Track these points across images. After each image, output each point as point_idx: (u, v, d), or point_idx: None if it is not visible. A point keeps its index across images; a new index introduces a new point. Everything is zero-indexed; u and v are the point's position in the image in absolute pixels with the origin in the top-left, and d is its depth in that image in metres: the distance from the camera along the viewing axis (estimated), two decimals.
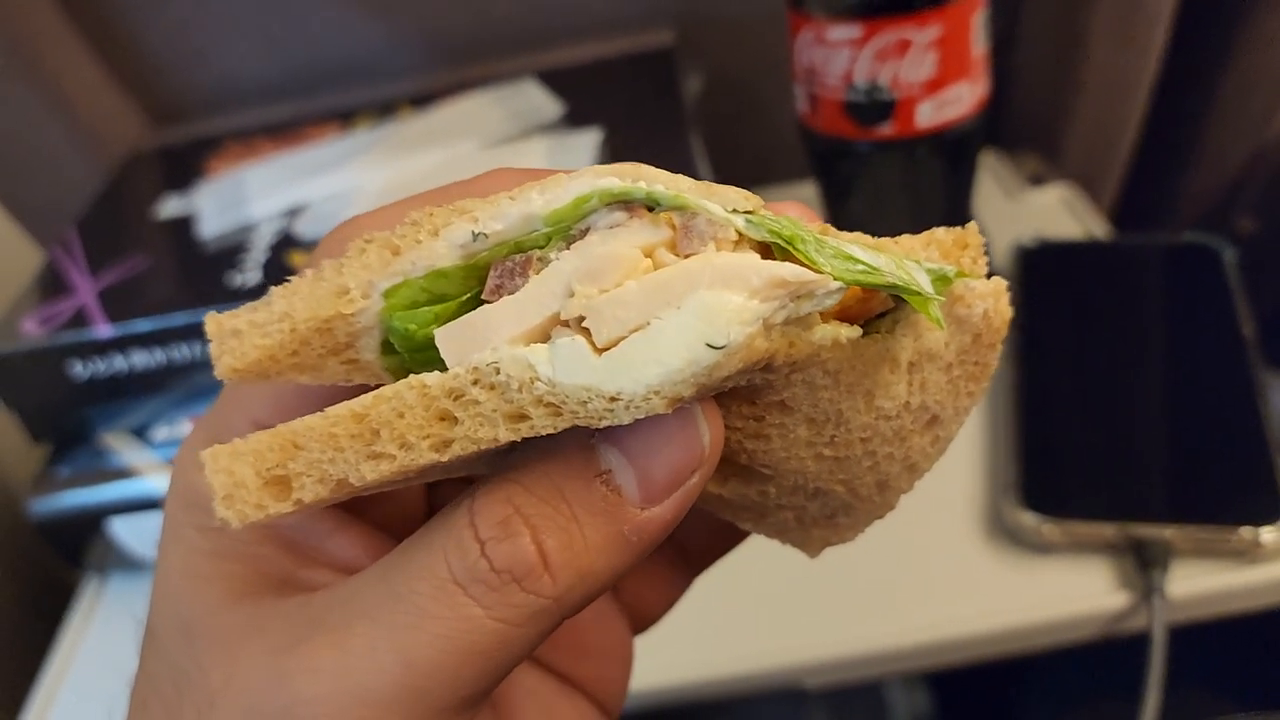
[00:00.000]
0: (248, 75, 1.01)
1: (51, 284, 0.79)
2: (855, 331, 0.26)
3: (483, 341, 0.24)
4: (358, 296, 0.25)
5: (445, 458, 0.24)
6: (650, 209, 0.24)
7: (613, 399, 0.22)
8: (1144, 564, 0.61)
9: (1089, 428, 0.68)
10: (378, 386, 0.25)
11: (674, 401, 0.22)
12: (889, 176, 0.74)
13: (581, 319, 0.23)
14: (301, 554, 0.29)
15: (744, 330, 0.22)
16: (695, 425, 0.25)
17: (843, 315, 0.25)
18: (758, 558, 0.61)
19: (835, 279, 0.23)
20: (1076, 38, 0.87)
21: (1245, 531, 0.60)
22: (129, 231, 0.86)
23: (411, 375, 0.24)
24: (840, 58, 0.68)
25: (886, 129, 0.70)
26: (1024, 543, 0.65)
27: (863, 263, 0.24)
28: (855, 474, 0.32)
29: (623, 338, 0.22)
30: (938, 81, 0.68)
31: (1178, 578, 0.61)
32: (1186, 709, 0.62)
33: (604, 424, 0.23)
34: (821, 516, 0.35)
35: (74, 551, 0.76)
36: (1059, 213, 0.92)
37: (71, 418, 0.77)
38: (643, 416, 0.23)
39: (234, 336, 0.26)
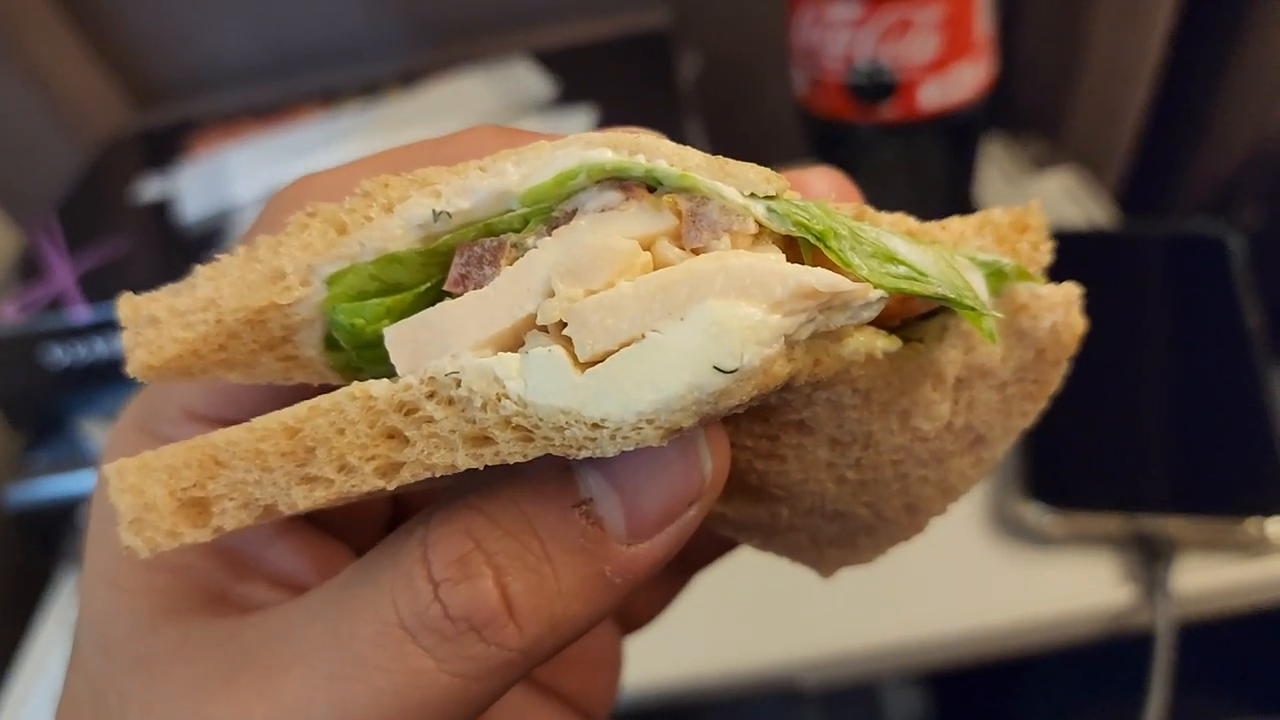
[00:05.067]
0: (231, 55, 0.99)
1: (30, 268, 0.77)
2: (894, 343, 0.22)
3: (442, 345, 0.20)
4: (295, 283, 0.21)
5: (392, 485, 0.20)
6: (651, 189, 0.20)
7: (595, 426, 0.19)
8: (1149, 557, 0.59)
9: (1094, 419, 0.67)
10: (323, 389, 0.21)
11: (670, 433, 0.19)
12: (890, 160, 0.72)
13: (562, 325, 0.19)
14: (238, 565, 0.25)
15: (761, 352, 0.18)
16: (696, 451, 0.21)
17: (879, 316, 0.21)
18: (755, 553, 0.60)
19: (875, 287, 0.19)
20: (1080, 19, 0.85)
21: (1251, 524, 0.58)
22: (110, 214, 0.84)
23: (356, 382, 0.20)
24: (841, 38, 0.66)
25: (888, 111, 0.68)
26: (1027, 535, 0.63)
27: (906, 264, 0.20)
28: (882, 496, 0.28)
29: (611, 352, 0.18)
30: (940, 62, 0.66)
31: (1183, 571, 0.59)
32: (1192, 711, 0.61)
33: (584, 454, 0.19)
34: (839, 538, 0.31)
35: (51, 541, 0.74)
36: (1062, 199, 0.90)
37: (50, 404, 0.75)
38: (631, 449, 0.19)
39: (151, 325, 0.21)
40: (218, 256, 0.21)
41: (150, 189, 0.85)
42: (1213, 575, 0.60)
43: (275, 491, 0.21)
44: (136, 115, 1.00)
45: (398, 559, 0.21)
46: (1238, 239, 0.74)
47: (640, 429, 0.18)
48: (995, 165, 0.95)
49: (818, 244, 0.20)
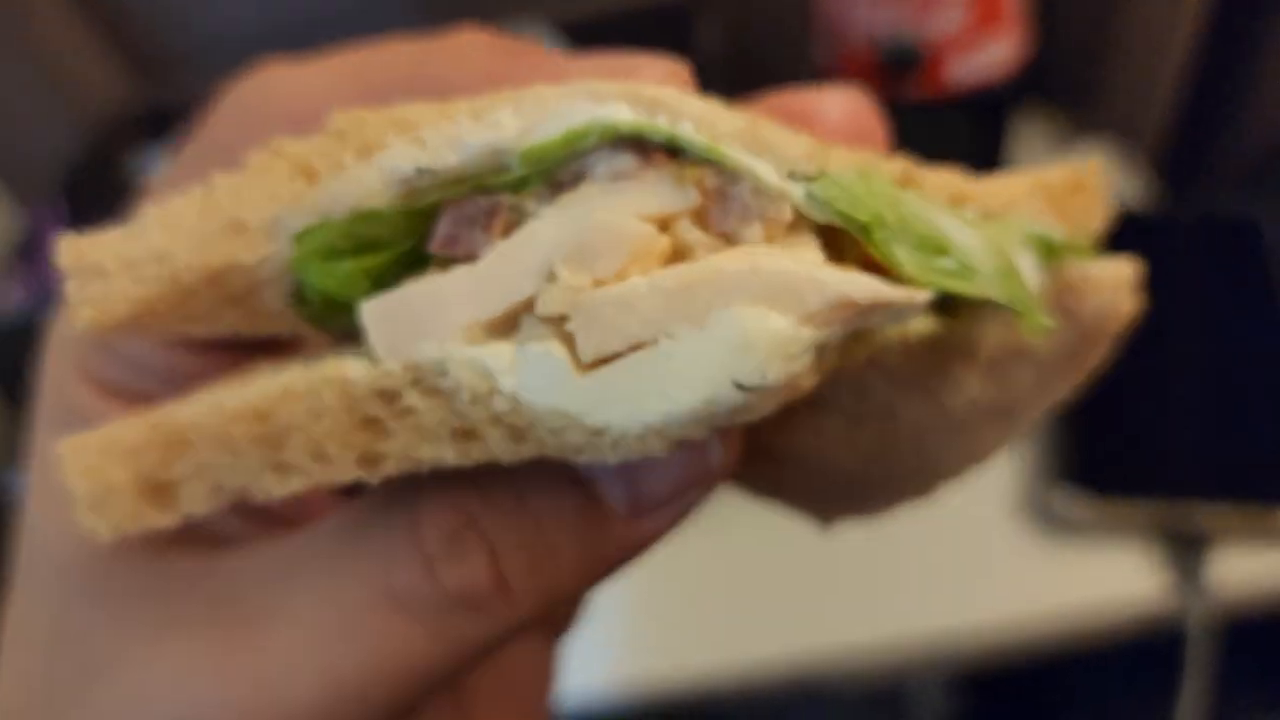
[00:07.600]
0: (237, 30, 0.97)
1: (33, 249, 0.76)
2: (932, 325, 0.20)
3: (427, 326, 0.18)
4: (260, 240, 0.18)
5: (377, 477, 0.19)
6: (673, 153, 0.18)
7: (596, 433, 0.17)
8: (1185, 546, 0.58)
9: (1129, 404, 0.65)
10: (291, 341, 0.19)
11: (677, 444, 0.17)
12: (916, 138, 0.70)
13: (564, 318, 0.17)
14: None
15: (788, 367, 0.16)
16: (705, 440, 0.20)
17: None
18: (771, 541, 0.58)
19: (921, 285, 0.18)
20: None
21: None
22: (114, 193, 0.83)
23: (331, 360, 0.19)
24: (865, 11, 0.64)
25: (913, 87, 0.66)
26: (1059, 523, 0.61)
27: (955, 255, 0.19)
28: (896, 461, 0.27)
29: (619, 354, 0.17)
30: (969, 37, 0.63)
31: (1221, 561, 0.58)
32: (1231, 706, 0.59)
33: (583, 459, 0.18)
34: (844, 495, 0.30)
35: None
36: None
37: None
38: (635, 458, 0.17)
39: (99, 277, 0.19)
40: (167, 194, 0.19)
41: (155, 167, 0.84)
42: (1251, 566, 0.58)
43: (247, 477, 0.19)
44: (140, 92, 0.99)
45: (390, 527, 0.20)
46: (1275, 225, 0.72)
47: (645, 439, 0.17)
48: (1024, 139, 0.92)
49: (861, 236, 0.18)
